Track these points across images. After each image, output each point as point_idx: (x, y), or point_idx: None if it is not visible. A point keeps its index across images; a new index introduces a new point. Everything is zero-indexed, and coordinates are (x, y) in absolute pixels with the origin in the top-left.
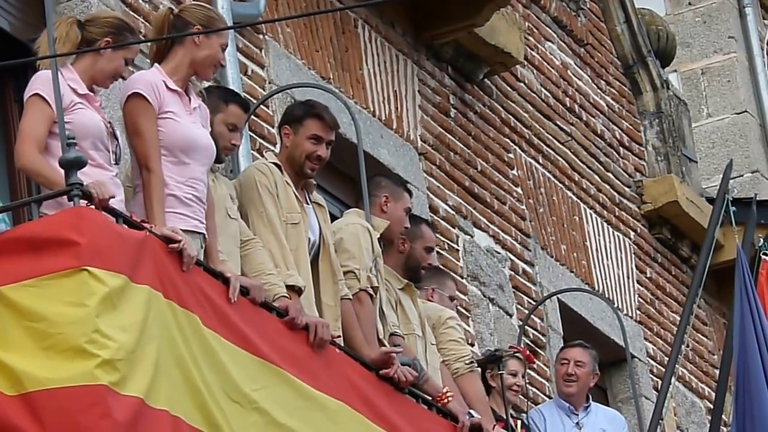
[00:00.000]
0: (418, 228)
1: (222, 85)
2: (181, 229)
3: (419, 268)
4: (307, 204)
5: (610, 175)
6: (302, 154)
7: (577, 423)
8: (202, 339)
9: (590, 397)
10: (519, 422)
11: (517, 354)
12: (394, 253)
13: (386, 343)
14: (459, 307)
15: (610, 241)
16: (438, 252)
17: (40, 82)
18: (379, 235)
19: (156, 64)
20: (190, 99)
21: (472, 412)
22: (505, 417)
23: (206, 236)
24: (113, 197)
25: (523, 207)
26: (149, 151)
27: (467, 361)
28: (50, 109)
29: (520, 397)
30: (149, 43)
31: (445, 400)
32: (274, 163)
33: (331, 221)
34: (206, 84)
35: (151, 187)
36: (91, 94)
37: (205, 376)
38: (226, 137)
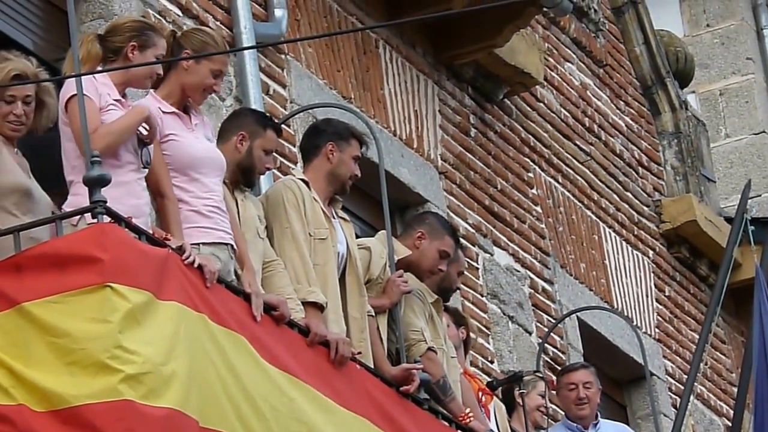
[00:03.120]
0: (455, 252)
1: (245, 105)
2: (206, 243)
3: (451, 291)
4: (334, 218)
5: (629, 194)
6: (348, 172)
7: None
8: (239, 349)
9: (599, 414)
10: None
11: (542, 376)
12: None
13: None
14: (479, 325)
15: (629, 260)
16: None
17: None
18: (397, 260)
19: (151, 91)
20: (190, 116)
21: (493, 429)
22: None
23: (233, 246)
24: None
25: (543, 226)
26: (160, 177)
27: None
28: (95, 104)
29: (543, 417)
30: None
31: (467, 420)
32: (302, 179)
33: None
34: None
35: (168, 212)
36: (123, 99)
37: (244, 384)
38: (262, 161)
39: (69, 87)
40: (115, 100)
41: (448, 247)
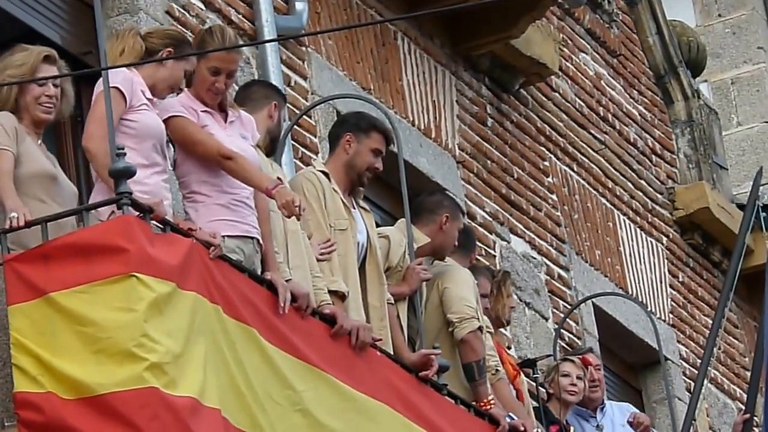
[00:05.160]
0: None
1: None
2: (231, 236)
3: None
4: (354, 209)
5: (642, 182)
6: (364, 164)
7: (597, 425)
8: (249, 342)
9: (603, 399)
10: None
11: (570, 357)
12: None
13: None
14: None
15: (643, 247)
16: (476, 257)
17: (119, 78)
18: (418, 248)
19: (185, 90)
20: (227, 114)
21: (511, 414)
22: (561, 420)
23: (260, 241)
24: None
25: (558, 213)
26: (215, 146)
27: (493, 371)
28: (124, 103)
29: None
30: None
31: (488, 407)
32: (322, 171)
33: None
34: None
35: (242, 165)
36: (154, 99)
37: (249, 377)
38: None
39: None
40: (148, 99)
41: (462, 223)
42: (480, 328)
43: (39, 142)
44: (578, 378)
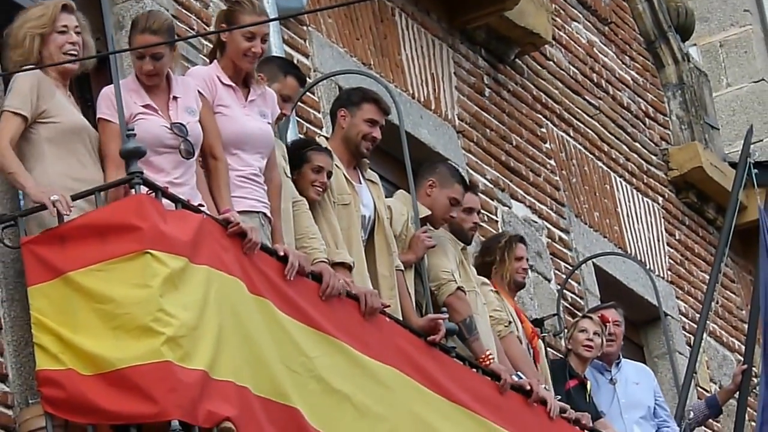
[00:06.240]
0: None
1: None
2: (238, 211)
3: (463, 231)
4: (359, 183)
5: (637, 144)
6: (359, 134)
7: (611, 379)
8: (265, 313)
9: (620, 354)
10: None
11: (589, 315)
12: (442, 223)
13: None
14: None
15: (640, 207)
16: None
17: (100, 104)
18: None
19: (215, 60)
20: (249, 91)
21: (519, 374)
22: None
23: (266, 214)
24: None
25: (557, 178)
26: (213, 141)
27: (505, 324)
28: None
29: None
30: (201, 38)
31: (488, 362)
32: (324, 148)
33: None
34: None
35: (219, 173)
36: (152, 104)
37: (268, 347)
38: (278, 107)
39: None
40: (144, 105)
41: (458, 194)
42: (460, 289)
43: (68, 94)
44: (595, 334)
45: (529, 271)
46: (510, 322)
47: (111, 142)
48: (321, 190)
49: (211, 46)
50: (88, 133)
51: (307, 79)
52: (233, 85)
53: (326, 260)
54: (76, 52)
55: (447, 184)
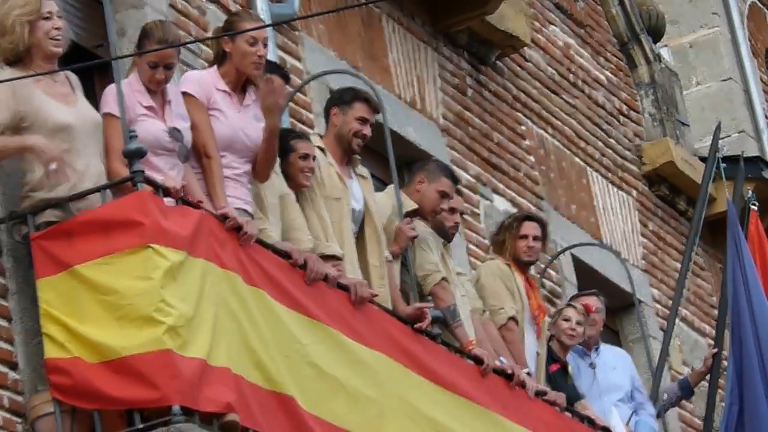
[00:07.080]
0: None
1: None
2: None
3: (444, 229)
4: (350, 178)
5: (612, 140)
6: (350, 132)
7: (591, 363)
8: (259, 303)
9: (599, 339)
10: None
11: (573, 304)
12: (429, 218)
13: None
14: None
15: (614, 200)
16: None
17: (107, 99)
18: (407, 211)
19: (214, 67)
20: (246, 96)
21: (502, 359)
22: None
23: (249, 212)
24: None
25: (536, 173)
26: (206, 141)
27: (480, 312)
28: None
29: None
30: (200, 44)
31: (471, 348)
32: (318, 147)
33: None
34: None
35: (212, 171)
36: (155, 106)
37: (261, 335)
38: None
39: (104, 103)
40: (147, 106)
41: (446, 186)
42: (444, 279)
43: (55, 79)
44: (578, 323)
45: None
46: (484, 311)
47: (115, 137)
48: (309, 175)
49: (209, 50)
50: (68, 127)
51: (299, 82)
52: (229, 90)
53: (310, 250)
54: (60, 37)
55: (435, 179)
